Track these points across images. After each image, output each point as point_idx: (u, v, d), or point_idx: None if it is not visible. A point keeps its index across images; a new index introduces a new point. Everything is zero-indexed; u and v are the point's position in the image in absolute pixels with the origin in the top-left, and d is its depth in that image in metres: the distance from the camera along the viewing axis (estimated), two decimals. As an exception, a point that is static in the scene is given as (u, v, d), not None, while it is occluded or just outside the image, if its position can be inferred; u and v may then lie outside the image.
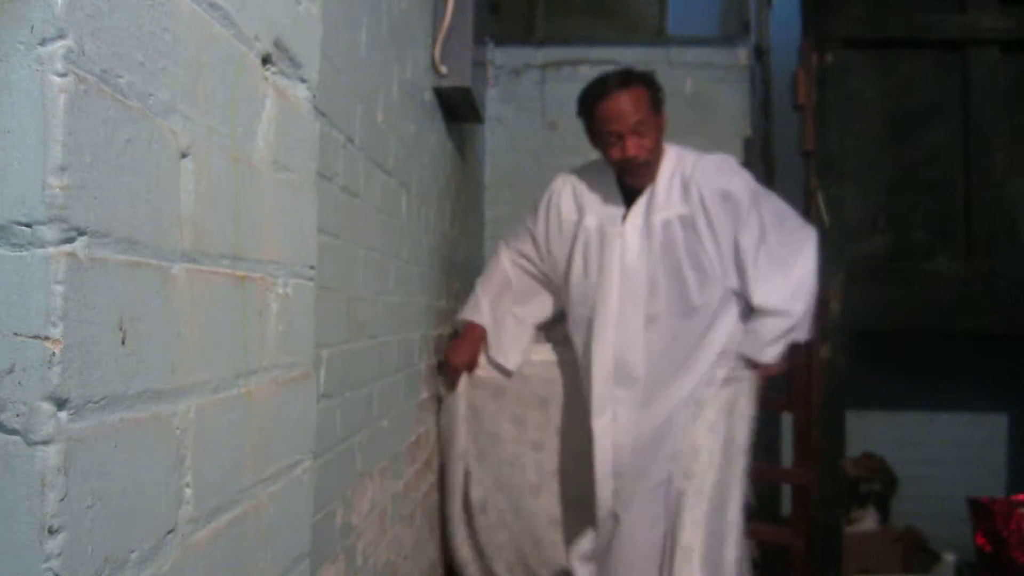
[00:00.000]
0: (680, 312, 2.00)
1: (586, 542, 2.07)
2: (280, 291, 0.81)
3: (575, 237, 2.10)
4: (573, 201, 2.14)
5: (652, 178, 2.01)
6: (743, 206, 1.99)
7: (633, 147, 1.91)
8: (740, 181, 2.04)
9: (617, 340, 2.00)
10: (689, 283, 1.98)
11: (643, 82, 1.97)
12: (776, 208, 2.07)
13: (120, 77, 0.53)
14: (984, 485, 2.90)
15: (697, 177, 1.98)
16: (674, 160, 2.02)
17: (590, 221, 2.08)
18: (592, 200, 2.11)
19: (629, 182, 2.03)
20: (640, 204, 2.02)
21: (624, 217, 2.04)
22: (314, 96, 0.91)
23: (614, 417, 1.99)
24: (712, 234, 1.97)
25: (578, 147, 3.44)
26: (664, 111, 2.00)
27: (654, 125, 1.94)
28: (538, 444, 2.19)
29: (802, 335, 2.05)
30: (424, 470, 1.99)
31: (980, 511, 2.59)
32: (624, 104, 1.90)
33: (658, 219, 2.00)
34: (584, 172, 2.18)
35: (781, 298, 1.98)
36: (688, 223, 1.98)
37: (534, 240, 2.22)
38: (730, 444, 2.00)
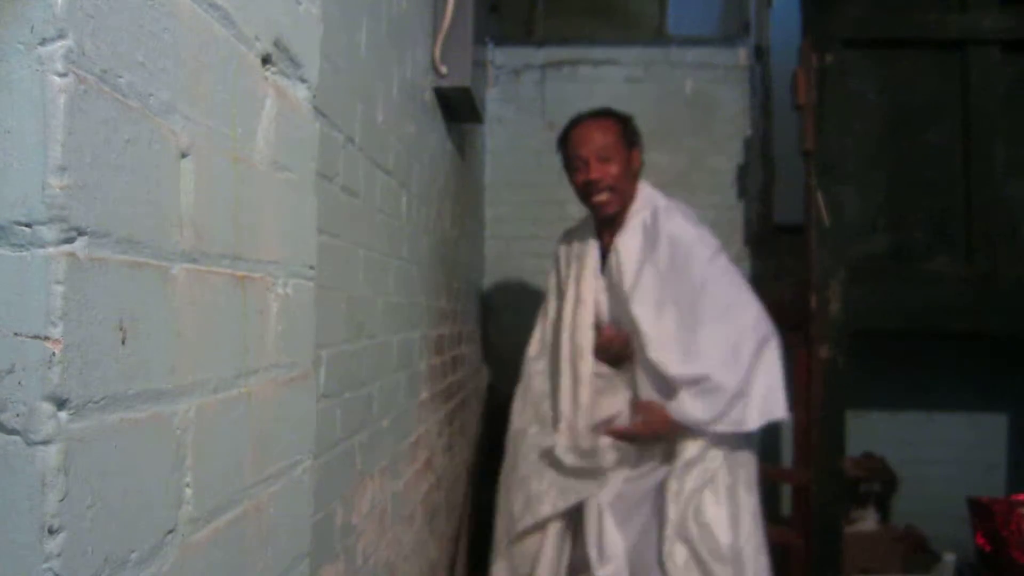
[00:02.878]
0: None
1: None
2: (280, 291, 0.81)
3: (564, 295, 2.19)
4: (564, 258, 2.23)
5: (620, 212, 2.04)
6: (693, 261, 1.96)
7: (596, 170, 1.96)
8: (698, 238, 2.00)
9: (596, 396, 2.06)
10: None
11: (615, 117, 2.05)
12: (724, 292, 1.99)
13: (120, 77, 0.53)
14: (984, 485, 2.91)
15: (661, 226, 1.99)
16: (644, 210, 2.03)
17: (572, 274, 2.16)
18: (575, 255, 2.18)
19: (594, 212, 2.06)
20: (610, 260, 2.07)
21: (602, 271, 2.11)
22: (314, 96, 0.91)
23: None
24: (660, 283, 1.96)
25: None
26: (638, 151, 2.04)
27: (622, 157, 1.99)
28: None
29: (730, 424, 1.91)
30: (424, 470, 1.99)
31: (980, 511, 2.60)
32: (592, 131, 2.01)
33: (617, 278, 2.03)
34: (575, 229, 2.27)
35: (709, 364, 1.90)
36: (636, 283, 2.00)
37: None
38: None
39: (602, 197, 1.99)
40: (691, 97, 3.46)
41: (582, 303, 2.10)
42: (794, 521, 2.43)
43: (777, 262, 3.16)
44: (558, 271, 2.25)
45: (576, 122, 2.07)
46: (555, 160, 3.51)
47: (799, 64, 2.47)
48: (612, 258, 2.05)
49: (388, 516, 1.57)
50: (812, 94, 2.43)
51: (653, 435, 1.96)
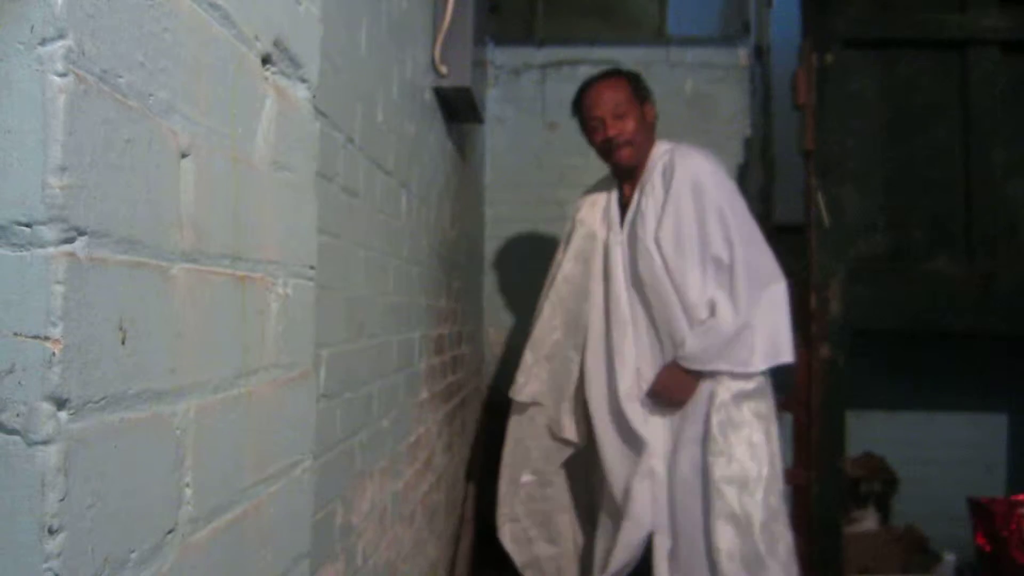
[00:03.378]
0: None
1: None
2: (280, 291, 0.81)
3: (592, 250, 2.21)
4: (586, 214, 2.25)
5: (639, 165, 2.09)
6: (708, 201, 2.01)
7: (612, 128, 2.04)
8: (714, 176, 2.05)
9: (637, 351, 2.06)
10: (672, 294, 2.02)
11: (623, 75, 2.13)
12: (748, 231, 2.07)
13: (120, 77, 0.53)
14: (984, 485, 2.91)
15: (676, 164, 2.04)
16: (661, 160, 2.08)
17: (600, 231, 2.19)
18: (598, 211, 2.22)
19: (616, 167, 2.12)
20: (628, 214, 2.12)
21: (621, 225, 2.14)
22: (314, 96, 0.91)
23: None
24: (677, 224, 2.00)
25: (578, 147, 3.44)
26: (650, 105, 2.12)
27: (635, 112, 2.07)
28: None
29: (727, 361, 1.96)
30: (424, 470, 1.99)
31: (980, 511, 2.60)
32: (604, 91, 2.09)
33: (641, 230, 2.06)
34: (595, 186, 2.32)
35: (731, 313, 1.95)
36: (670, 228, 2.02)
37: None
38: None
39: (623, 152, 2.07)
40: (691, 97, 3.46)
41: (613, 273, 2.12)
42: (794, 521, 2.43)
43: (777, 262, 3.15)
44: (573, 229, 2.27)
45: (587, 85, 2.14)
46: (555, 160, 3.52)
47: (799, 64, 2.47)
48: (632, 209, 2.10)
49: (388, 516, 1.57)
50: (812, 94, 2.43)
51: (674, 390, 1.99)
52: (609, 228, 2.16)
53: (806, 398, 2.37)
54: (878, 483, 2.95)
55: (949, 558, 2.80)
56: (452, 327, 2.43)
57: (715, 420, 1.93)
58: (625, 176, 2.15)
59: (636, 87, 2.11)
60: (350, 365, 1.28)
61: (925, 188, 2.48)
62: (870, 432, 3.05)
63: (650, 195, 2.04)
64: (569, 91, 3.59)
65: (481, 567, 2.62)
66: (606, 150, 2.09)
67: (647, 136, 2.10)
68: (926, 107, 2.49)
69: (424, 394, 1.97)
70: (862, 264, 2.45)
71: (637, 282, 2.07)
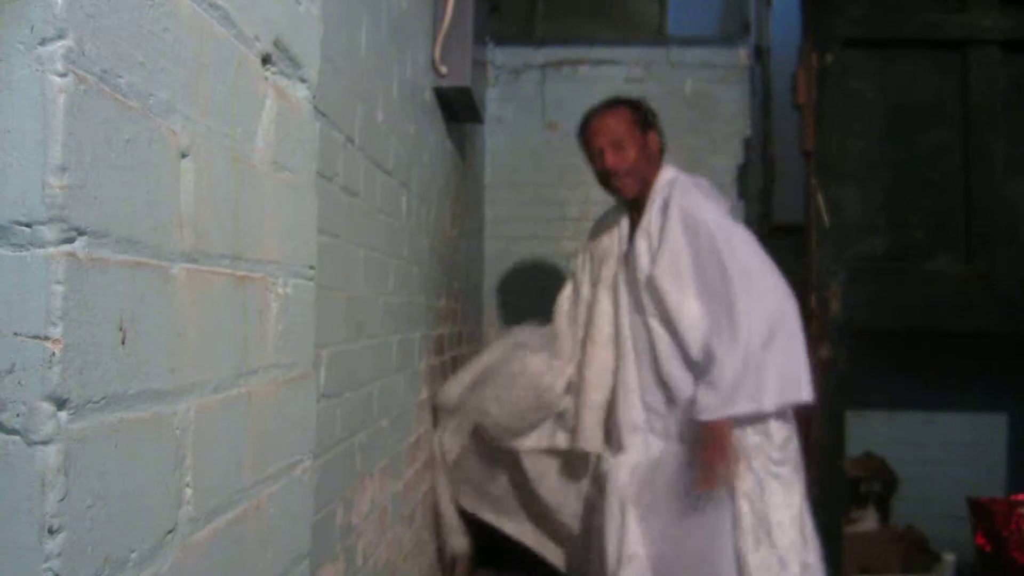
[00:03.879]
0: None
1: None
2: (280, 291, 0.81)
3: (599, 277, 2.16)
4: (599, 243, 2.21)
5: (642, 195, 2.05)
6: (706, 238, 1.94)
7: (611, 159, 2.01)
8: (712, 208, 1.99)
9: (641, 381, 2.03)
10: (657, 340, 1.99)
11: (628, 104, 2.10)
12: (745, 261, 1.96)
13: (120, 77, 0.53)
14: (984, 485, 2.91)
15: (672, 200, 1.99)
16: (664, 183, 2.04)
17: (608, 258, 2.15)
18: (612, 239, 2.16)
19: (618, 195, 2.09)
20: (634, 247, 2.07)
21: (627, 256, 2.09)
22: (314, 96, 0.91)
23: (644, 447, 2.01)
24: (674, 262, 1.95)
25: (578, 147, 3.45)
26: (655, 133, 2.08)
27: (636, 142, 2.03)
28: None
29: (748, 403, 1.85)
30: (424, 470, 1.99)
31: (980, 511, 2.59)
32: (604, 120, 2.06)
33: (638, 267, 2.02)
34: (608, 213, 2.27)
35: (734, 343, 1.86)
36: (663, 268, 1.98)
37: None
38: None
39: (618, 183, 2.03)
40: (691, 97, 3.46)
41: (599, 299, 2.11)
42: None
43: (777, 262, 3.15)
44: (588, 259, 2.23)
45: (590, 115, 2.11)
46: (555, 160, 3.52)
47: (799, 64, 2.47)
48: (635, 242, 2.06)
49: (388, 516, 1.57)
50: (812, 94, 2.43)
51: (719, 452, 1.84)
52: (618, 259, 2.12)
53: (806, 398, 2.37)
54: (878, 483, 2.94)
55: (949, 558, 2.80)
56: (452, 327, 2.43)
57: (744, 507, 1.84)
58: (632, 205, 2.10)
59: (638, 116, 2.07)
60: (350, 365, 1.28)
61: (925, 188, 2.48)
62: (870, 432, 3.05)
63: (646, 230, 2.02)
64: (569, 91, 3.61)
65: (481, 567, 2.62)
66: (605, 180, 2.07)
67: (650, 166, 2.04)
68: (926, 107, 2.49)
69: (424, 394, 1.97)
70: (862, 264, 2.45)
71: (639, 312, 2.03)
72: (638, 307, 2.02)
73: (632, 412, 2.01)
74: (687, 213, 1.94)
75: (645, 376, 2.01)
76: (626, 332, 2.04)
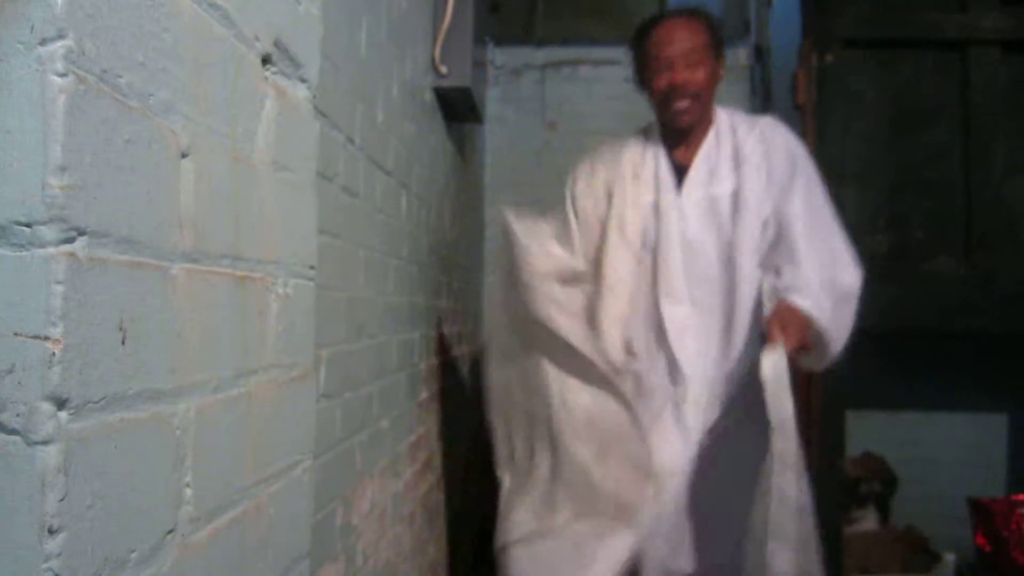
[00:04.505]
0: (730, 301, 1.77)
1: None
2: (280, 291, 0.81)
3: (623, 216, 1.82)
4: (615, 174, 1.86)
5: (702, 126, 1.80)
6: (793, 176, 1.76)
7: (682, 73, 1.72)
8: (794, 148, 1.80)
9: (693, 328, 1.74)
10: (739, 270, 1.74)
11: (706, 19, 1.80)
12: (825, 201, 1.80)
13: (120, 77, 0.53)
14: (984, 485, 2.90)
15: (749, 142, 1.78)
16: (724, 123, 1.81)
17: (643, 196, 1.81)
18: (641, 172, 1.84)
19: (672, 121, 1.78)
20: (695, 173, 1.79)
21: (679, 190, 1.80)
22: (314, 96, 0.91)
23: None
24: (758, 209, 1.74)
25: (578, 147, 3.44)
26: (724, 61, 1.82)
27: (710, 64, 1.75)
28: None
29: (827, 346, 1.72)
30: (424, 470, 1.99)
31: (980, 511, 2.60)
32: (680, 30, 1.75)
33: (717, 190, 1.77)
34: (621, 147, 1.89)
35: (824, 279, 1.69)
36: (737, 199, 1.75)
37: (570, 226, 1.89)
38: None
39: (685, 103, 1.74)
40: (691, 97, 3.45)
41: (689, 223, 1.77)
42: (794, 521, 2.43)
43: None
44: (601, 191, 1.86)
45: (660, 19, 1.80)
46: (555, 160, 3.52)
47: (799, 64, 2.47)
48: (700, 170, 1.79)
49: (388, 516, 1.57)
50: (812, 94, 2.43)
51: (794, 336, 1.58)
52: (659, 190, 1.80)
53: (806, 398, 2.37)
54: (878, 483, 2.94)
55: (949, 558, 2.80)
56: (452, 327, 2.43)
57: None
58: (674, 137, 1.81)
59: (714, 36, 1.78)
60: (350, 365, 1.28)
61: (925, 188, 2.48)
62: (870, 432, 3.05)
63: (724, 161, 1.77)
64: (569, 91, 3.61)
65: (481, 567, 2.62)
66: (667, 98, 1.75)
67: (712, 96, 1.80)
68: (926, 107, 2.49)
69: (424, 394, 1.97)
70: (862, 264, 2.45)
71: (701, 254, 1.76)
72: (698, 251, 1.75)
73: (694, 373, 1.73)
74: (794, 145, 1.78)
75: (705, 331, 1.75)
76: (679, 281, 1.75)
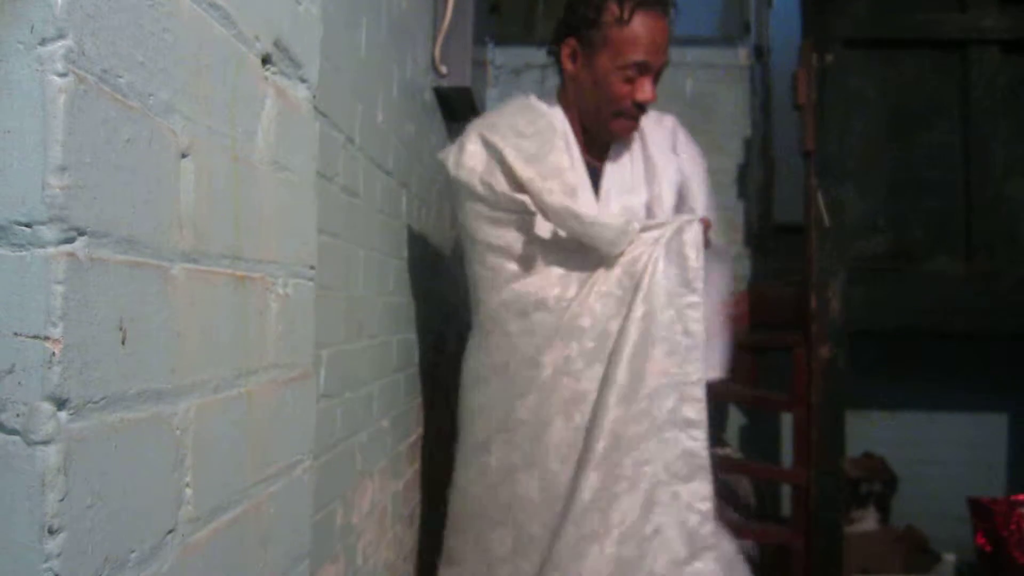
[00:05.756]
0: None
1: None
2: (280, 291, 0.81)
3: (532, 221, 1.52)
4: (524, 166, 1.51)
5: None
6: (693, 184, 1.68)
7: (651, 92, 1.50)
8: (694, 147, 1.72)
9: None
10: None
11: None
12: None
13: (120, 77, 0.53)
14: (984, 485, 2.90)
15: (658, 148, 1.65)
16: None
17: (554, 199, 1.49)
18: (550, 169, 1.54)
19: (610, 136, 1.59)
20: (609, 179, 1.61)
21: (596, 195, 1.59)
22: (314, 96, 0.91)
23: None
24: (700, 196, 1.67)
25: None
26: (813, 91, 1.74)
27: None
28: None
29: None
30: (424, 470, 1.99)
31: (980, 511, 2.59)
32: (663, 32, 1.49)
33: (633, 200, 1.61)
34: (521, 123, 1.58)
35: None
36: (657, 205, 1.62)
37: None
38: None
39: (634, 124, 1.56)
40: (691, 97, 3.46)
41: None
42: (794, 521, 2.42)
43: (777, 262, 3.15)
44: (507, 183, 1.51)
45: (652, 5, 1.48)
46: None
47: (799, 64, 2.47)
48: (609, 182, 1.60)
49: (388, 516, 1.57)
50: (812, 94, 2.43)
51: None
52: (575, 198, 1.53)
53: (806, 398, 2.37)
54: (878, 483, 2.94)
55: (949, 558, 2.80)
56: (452, 327, 2.43)
57: None
58: (592, 138, 1.61)
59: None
60: (350, 365, 1.28)
61: (925, 188, 2.48)
62: (870, 432, 3.05)
63: (661, 172, 1.61)
64: (569, 91, 3.61)
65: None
66: (623, 112, 1.52)
67: None
68: (926, 107, 2.49)
69: (424, 394, 1.97)
70: (862, 264, 2.45)
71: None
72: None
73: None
74: (691, 144, 1.70)
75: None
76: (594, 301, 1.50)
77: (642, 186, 1.63)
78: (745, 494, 2.81)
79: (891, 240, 2.49)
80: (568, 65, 1.57)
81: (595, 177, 1.61)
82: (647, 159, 1.64)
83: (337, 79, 1.18)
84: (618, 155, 1.63)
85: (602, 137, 1.62)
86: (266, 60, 0.78)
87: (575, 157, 1.59)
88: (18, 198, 0.47)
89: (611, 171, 1.62)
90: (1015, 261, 2.42)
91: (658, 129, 1.67)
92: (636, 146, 1.65)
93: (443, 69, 2.01)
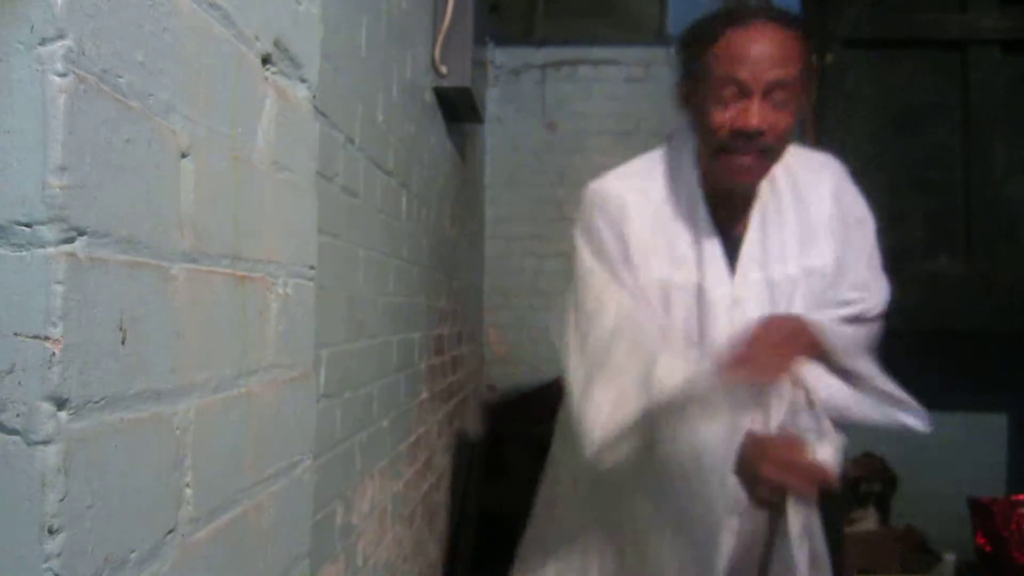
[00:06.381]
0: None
1: None
2: (280, 291, 0.81)
3: (665, 299, 1.31)
4: (650, 237, 1.31)
5: (752, 192, 1.31)
6: (865, 240, 1.41)
7: (758, 115, 1.17)
8: (863, 206, 1.42)
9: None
10: None
11: (802, 29, 1.23)
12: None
13: (120, 77, 0.53)
14: (984, 485, 2.91)
15: (816, 199, 1.35)
16: (779, 169, 1.32)
17: (680, 276, 1.30)
18: (676, 239, 1.31)
19: (724, 178, 1.27)
20: (751, 247, 1.31)
21: (732, 269, 1.31)
22: (314, 96, 0.91)
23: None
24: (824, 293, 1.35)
25: (578, 147, 3.45)
26: (812, 91, 1.31)
27: (795, 100, 1.20)
28: None
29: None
30: (424, 470, 1.99)
31: (980, 511, 2.60)
32: (768, 44, 1.18)
33: (779, 272, 1.31)
34: (652, 183, 1.34)
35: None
36: (815, 277, 1.33)
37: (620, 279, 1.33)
38: None
39: (750, 160, 1.22)
40: (691, 97, 3.46)
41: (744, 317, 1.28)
42: (794, 521, 2.43)
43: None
44: (635, 253, 1.30)
45: (742, 17, 1.20)
46: (555, 160, 3.52)
47: (799, 64, 2.47)
48: (750, 248, 1.31)
49: (388, 516, 1.57)
50: (812, 94, 2.44)
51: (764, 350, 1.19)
52: (703, 271, 1.30)
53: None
54: (878, 483, 2.94)
55: (949, 558, 2.80)
56: (452, 327, 2.43)
57: None
58: (720, 192, 1.31)
59: (809, 56, 1.23)
60: (350, 365, 1.28)
61: (925, 188, 2.48)
62: (870, 432, 3.05)
63: (820, 227, 1.32)
64: (569, 91, 3.61)
65: (480, 567, 2.62)
66: (725, 145, 1.21)
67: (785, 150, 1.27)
68: (926, 107, 2.50)
69: (424, 394, 1.97)
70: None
71: None
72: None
73: None
74: (862, 208, 1.40)
75: None
76: None
77: (796, 249, 1.32)
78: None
79: (891, 240, 2.49)
80: (683, 104, 1.31)
81: (729, 244, 1.32)
82: (801, 212, 1.33)
83: (337, 79, 1.18)
84: (762, 214, 1.32)
85: (721, 195, 1.31)
86: (266, 60, 0.78)
87: (702, 228, 1.31)
88: (18, 198, 0.47)
89: (752, 237, 1.31)
90: (1015, 261, 2.42)
91: (816, 174, 1.36)
92: (785, 195, 1.33)
93: (443, 69, 2.01)
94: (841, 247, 1.35)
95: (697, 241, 1.30)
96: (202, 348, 0.65)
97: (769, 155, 1.24)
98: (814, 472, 1.16)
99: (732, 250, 1.31)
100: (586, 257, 1.34)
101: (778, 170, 1.31)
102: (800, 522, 1.18)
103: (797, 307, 1.31)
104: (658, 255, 1.31)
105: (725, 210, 1.32)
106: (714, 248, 1.30)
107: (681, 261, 1.30)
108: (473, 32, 2.08)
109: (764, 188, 1.32)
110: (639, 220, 1.31)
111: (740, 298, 1.29)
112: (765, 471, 1.15)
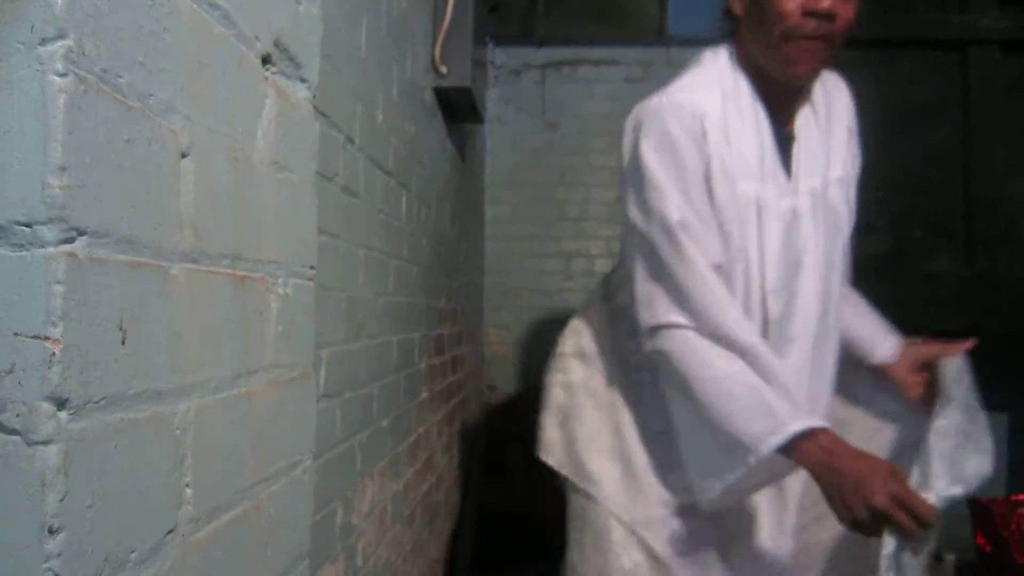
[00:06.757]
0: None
1: None
2: (280, 291, 0.81)
3: (757, 216, 1.28)
4: (727, 150, 1.26)
5: (810, 87, 1.32)
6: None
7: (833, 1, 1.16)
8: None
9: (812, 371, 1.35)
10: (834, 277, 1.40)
11: None
12: None
13: (120, 77, 0.53)
14: (984, 485, 2.91)
15: (839, 106, 1.39)
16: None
17: (747, 188, 1.26)
18: (745, 148, 1.27)
19: (793, 70, 1.24)
20: (804, 154, 1.31)
21: (790, 177, 1.30)
22: (314, 96, 0.91)
23: None
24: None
25: (578, 147, 3.45)
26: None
27: (858, 4, 1.22)
28: None
29: None
30: (424, 470, 1.99)
31: (980, 511, 2.60)
32: None
33: (823, 181, 1.32)
34: (712, 95, 1.28)
35: None
36: (842, 186, 1.35)
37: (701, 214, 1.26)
38: None
39: (820, 46, 1.21)
40: (691, 97, 3.46)
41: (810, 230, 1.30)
42: (794, 521, 2.43)
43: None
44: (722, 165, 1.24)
45: None
46: (555, 160, 3.52)
47: (799, 64, 2.47)
48: (805, 152, 1.31)
49: (388, 516, 1.57)
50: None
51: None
52: (762, 179, 1.26)
53: (806, 398, 2.37)
54: (878, 483, 2.94)
55: (949, 558, 2.80)
56: (452, 327, 2.43)
57: None
58: (776, 95, 1.29)
59: None
60: (350, 365, 1.28)
61: (925, 188, 2.48)
62: (870, 432, 3.05)
63: (843, 134, 1.34)
64: (569, 91, 3.60)
65: (480, 567, 2.62)
66: (796, 30, 1.19)
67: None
68: (926, 107, 2.50)
69: (424, 394, 1.97)
70: (862, 264, 2.46)
71: (825, 271, 1.35)
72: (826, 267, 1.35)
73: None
74: (853, 116, 1.42)
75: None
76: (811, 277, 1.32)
77: (833, 156, 1.33)
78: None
79: (891, 240, 2.49)
80: (737, 8, 1.29)
81: (784, 147, 1.30)
82: (833, 121, 1.35)
83: (337, 79, 1.18)
84: (807, 118, 1.32)
85: (782, 90, 1.29)
86: (266, 60, 0.78)
87: (763, 131, 1.28)
88: (18, 198, 0.47)
89: (803, 140, 1.31)
90: (1015, 261, 2.43)
91: (837, 86, 1.40)
92: (822, 108, 1.36)
93: (443, 69, 2.01)
94: (852, 162, 1.37)
95: (761, 148, 1.27)
96: (202, 348, 0.65)
97: (832, 45, 1.23)
98: (926, 513, 1.19)
99: (784, 156, 1.30)
100: (660, 176, 1.24)
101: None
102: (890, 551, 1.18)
103: (835, 221, 1.32)
104: (741, 168, 1.26)
105: (777, 113, 1.30)
106: (773, 155, 1.28)
107: (754, 172, 1.26)
108: (473, 32, 2.08)
109: (814, 90, 1.33)
110: (717, 131, 1.25)
111: (799, 210, 1.28)
112: (878, 501, 1.14)
